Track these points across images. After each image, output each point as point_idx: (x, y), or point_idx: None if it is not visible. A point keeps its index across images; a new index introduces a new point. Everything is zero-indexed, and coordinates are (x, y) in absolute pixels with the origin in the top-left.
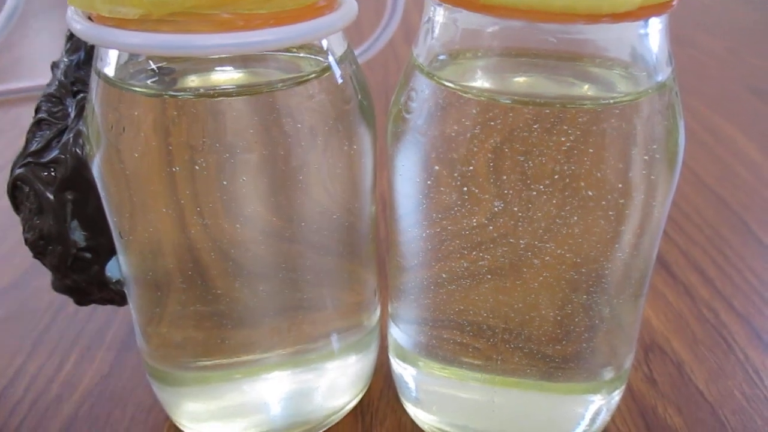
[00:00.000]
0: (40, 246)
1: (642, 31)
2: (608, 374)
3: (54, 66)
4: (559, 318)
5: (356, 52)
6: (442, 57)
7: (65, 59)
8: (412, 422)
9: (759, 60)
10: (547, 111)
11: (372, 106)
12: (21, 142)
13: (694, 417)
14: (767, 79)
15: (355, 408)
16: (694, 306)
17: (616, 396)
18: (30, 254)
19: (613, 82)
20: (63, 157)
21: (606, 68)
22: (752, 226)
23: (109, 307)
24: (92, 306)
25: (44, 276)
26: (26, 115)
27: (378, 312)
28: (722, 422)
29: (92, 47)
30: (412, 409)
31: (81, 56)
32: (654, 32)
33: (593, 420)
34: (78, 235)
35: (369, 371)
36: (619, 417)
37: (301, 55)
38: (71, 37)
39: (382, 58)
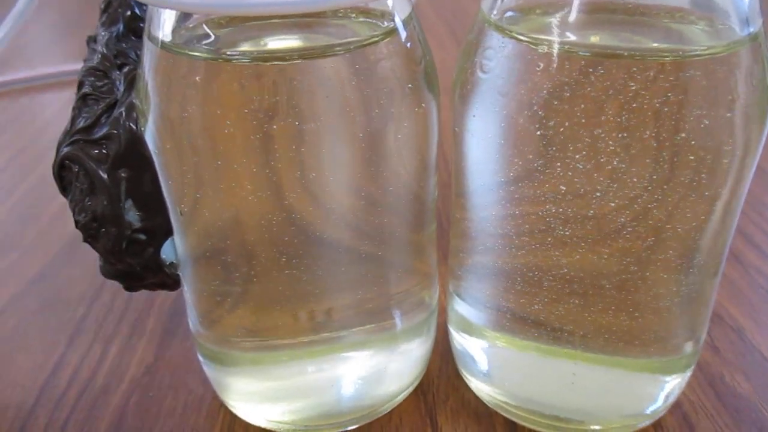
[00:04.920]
0: (92, 229)
1: None
2: (689, 348)
3: (91, 40)
4: (647, 289)
5: None
6: (510, 14)
7: (102, 32)
8: (476, 398)
9: None
10: (642, 65)
11: (436, 70)
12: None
13: (762, 382)
14: None
15: (416, 388)
16: (746, 273)
17: (690, 371)
18: (58, 243)
19: (698, 35)
20: (115, 132)
21: (687, 23)
22: None
23: (145, 296)
24: (128, 295)
25: (75, 265)
26: (28, 106)
27: (437, 291)
28: None
29: (132, 18)
30: (477, 384)
31: (120, 28)
32: None
33: (669, 395)
34: (132, 216)
35: (429, 352)
36: (688, 388)
37: (360, 20)
38: (106, 8)
39: None
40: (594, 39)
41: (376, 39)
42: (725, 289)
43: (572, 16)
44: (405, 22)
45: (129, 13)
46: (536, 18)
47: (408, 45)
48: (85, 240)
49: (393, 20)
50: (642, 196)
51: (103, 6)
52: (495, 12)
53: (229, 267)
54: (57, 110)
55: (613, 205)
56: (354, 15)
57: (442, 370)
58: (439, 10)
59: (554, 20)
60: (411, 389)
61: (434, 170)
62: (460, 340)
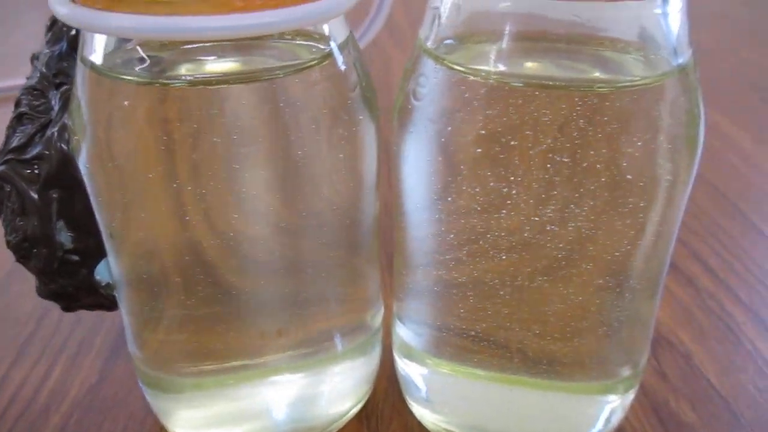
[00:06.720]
0: (24, 249)
1: (659, 11)
2: (626, 372)
3: (34, 58)
4: (579, 315)
5: None
6: (449, 42)
7: (46, 50)
8: (419, 424)
9: (748, 53)
10: (568, 95)
11: (375, 94)
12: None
13: (708, 411)
14: (757, 71)
15: (360, 411)
16: (698, 297)
17: (631, 394)
18: (9, 258)
19: (631, 65)
20: (47, 153)
21: (621, 52)
22: (749, 216)
23: (95, 313)
24: (78, 312)
25: (25, 281)
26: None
27: (382, 312)
28: (736, 416)
29: (75, 36)
30: (419, 410)
31: (63, 47)
32: (674, 12)
33: (609, 419)
34: (64, 237)
35: (374, 374)
36: (632, 414)
37: (299, 41)
38: (51, 26)
39: (367, 57)
40: (529, 68)
41: (311, 64)
42: (676, 312)
43: (507, 45)
44: (341, 47)
45: (73, 32)
46: (473, 47)
47: (343, 69)
48: (18, 260)
49: (329, 44)
50: (573, 222)
51: (48, 24)
52: (431, 39)
53: (158, 290)
54: None
55: (543, 230)
56: (294, 37)
57: (388, 393)
58: (412, 21)
59: (490, 49)
60: (354, 411)
61: (374, 190)
62: (402, 365)
